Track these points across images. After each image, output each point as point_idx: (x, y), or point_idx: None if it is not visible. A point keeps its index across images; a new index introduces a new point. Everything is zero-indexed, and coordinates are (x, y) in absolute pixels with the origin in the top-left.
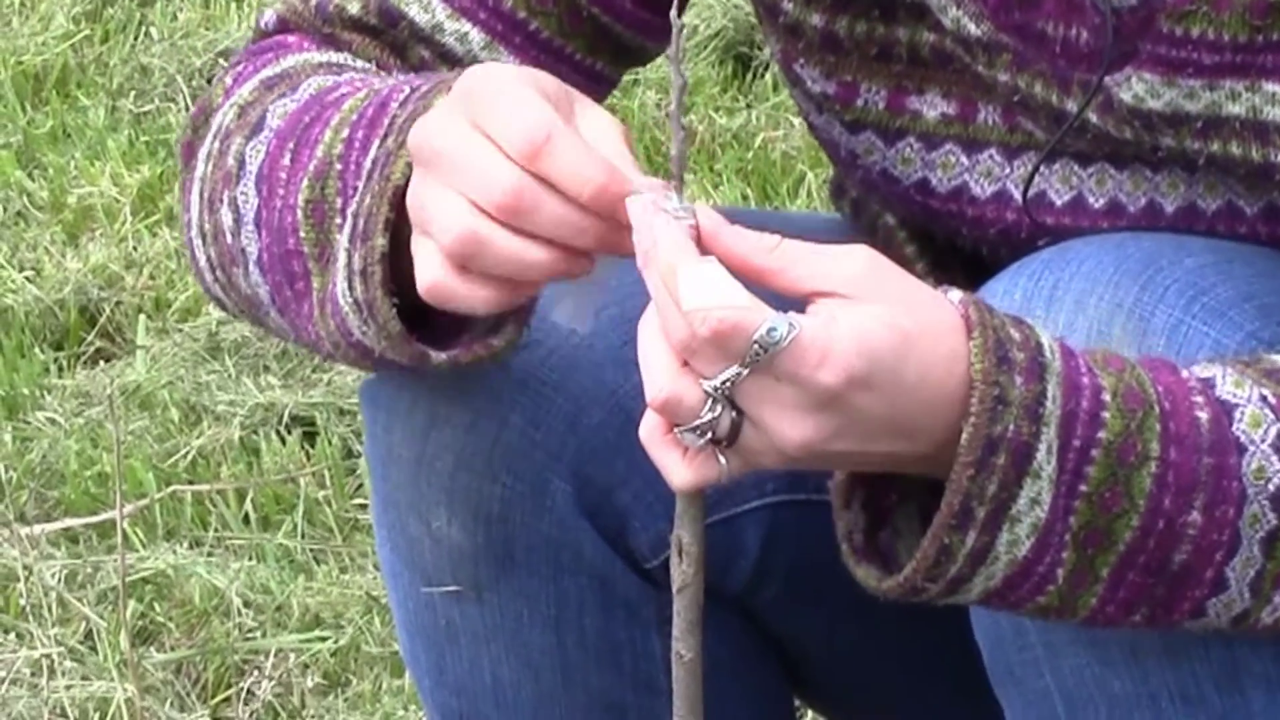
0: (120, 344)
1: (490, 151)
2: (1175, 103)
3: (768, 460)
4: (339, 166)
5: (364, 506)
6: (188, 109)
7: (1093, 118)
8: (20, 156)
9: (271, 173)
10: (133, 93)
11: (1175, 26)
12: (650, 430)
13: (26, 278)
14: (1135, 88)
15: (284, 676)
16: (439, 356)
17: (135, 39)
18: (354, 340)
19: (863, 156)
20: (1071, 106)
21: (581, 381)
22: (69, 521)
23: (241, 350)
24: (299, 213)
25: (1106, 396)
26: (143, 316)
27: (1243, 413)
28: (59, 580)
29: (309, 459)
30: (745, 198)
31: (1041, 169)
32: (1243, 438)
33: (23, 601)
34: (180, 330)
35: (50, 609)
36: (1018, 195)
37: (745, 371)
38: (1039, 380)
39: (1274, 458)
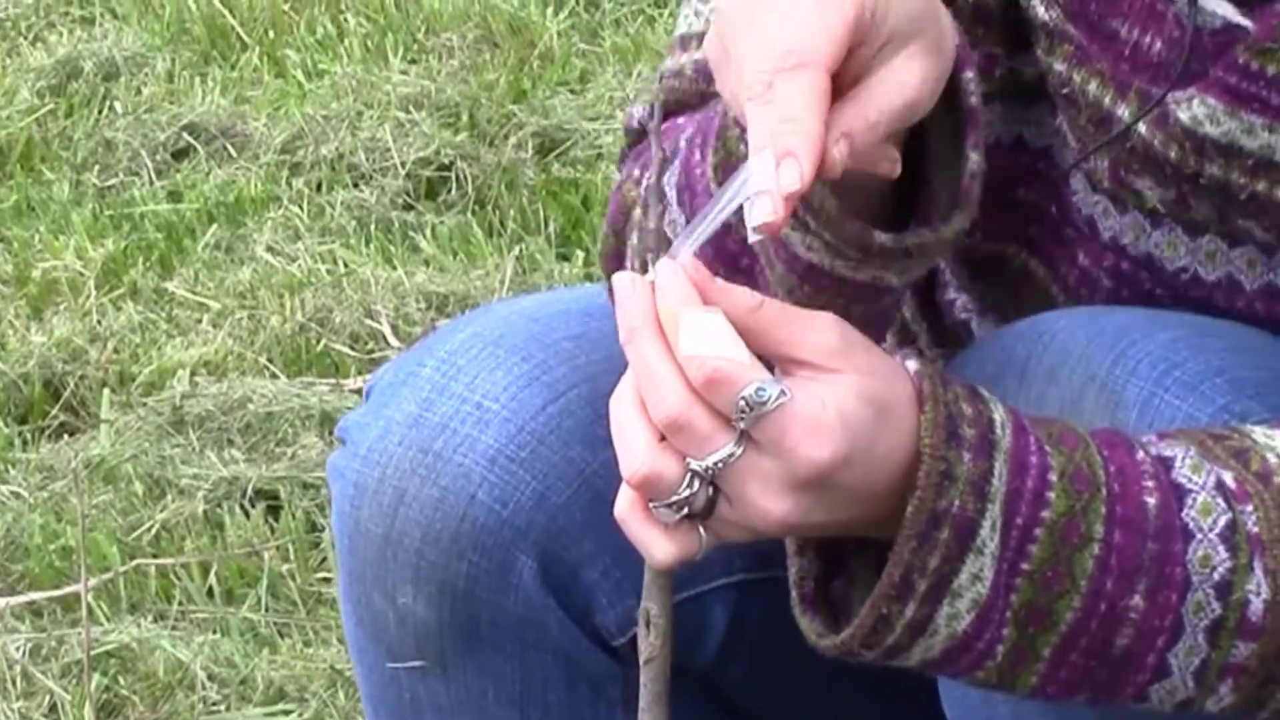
0: (84, 418)
1: None
2: (1233, 134)
3: (737, 535)
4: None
5: (328, 580)
6: (152, 183)
7: (1142, 128)
8: None
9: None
10: (97, 167)
11: (1252, 60)
12: (627, 506)
13: None
14: (1195, 110)
15: None
16: (882, 237)
17: (99, 113)
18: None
19: None
20: (1122, 112)
21: (549, 459)
22: (33, 595)
23: (205, 424)
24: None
25: (1053, 476)
26: (107, 390)
27: (1194, 499)
28: (23, 654)
29: (273, 533)
30: None
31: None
32: (1191, 524)
33: None
34: (144, 404)
35: (14, 683)
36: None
37: (739, 452)
38: (987, 458)
39: (1220, 548)
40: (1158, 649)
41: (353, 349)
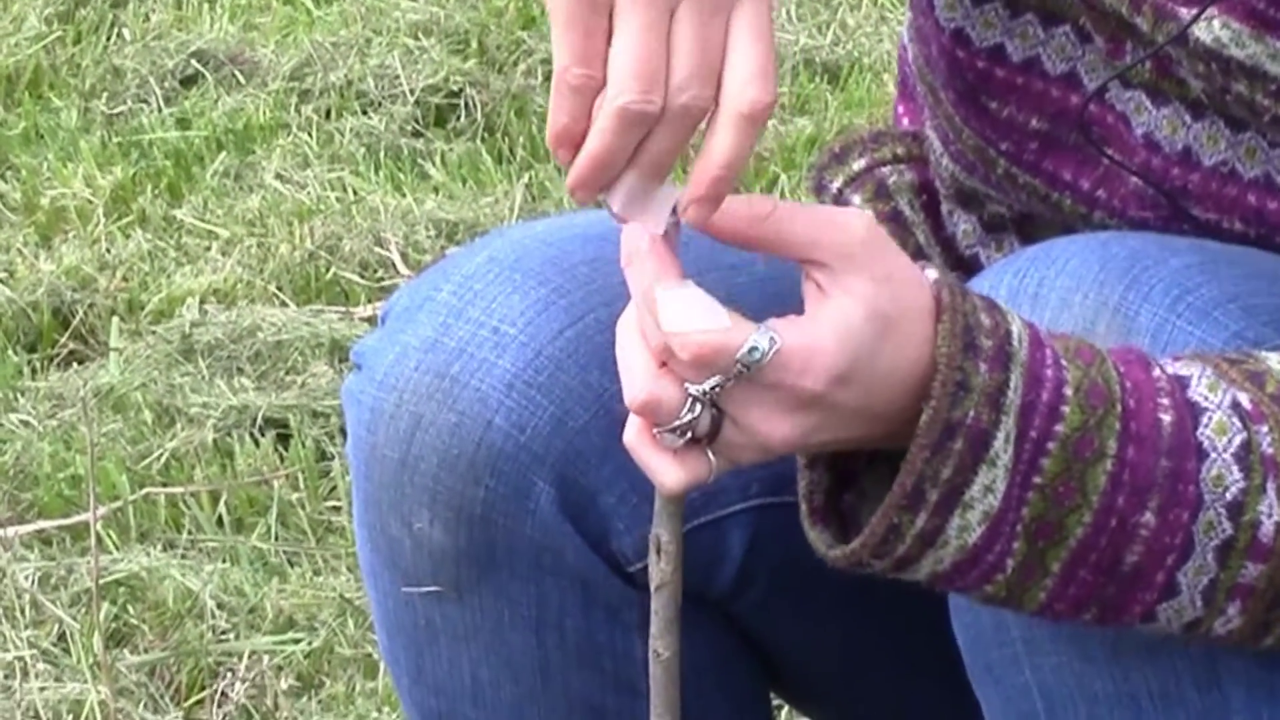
0: (93, 346)
1: None
2: (1258, 59)
3: (747, 457)
4: None
5: (338, 509)
6: (160, 110)
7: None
8: None
9: None
10: (105, 94)
11: None
12: (635, 433)
13: None
14: (1218, 31)
15: (258, 678)
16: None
17: (108, 40)
18: None
19: (944, 10)
20: (1139, 23)
21: (567, 384)
22: (42, 524)
23: (215, 352)
24: None
25: (1069, 390)
26: (116, 318)
27: (1210, 418)
28: (32, 582)
29: (283, 461)
30: None
31: (1100, 60)
32: (1205, 443)
33: None
34: (153, 332)
35: (23, 611)
36: (1087, 80)
37: (730, 381)
38: (1003, 369)
39: (1234, 468)
40: (1167, 567)
41: (362, 277)
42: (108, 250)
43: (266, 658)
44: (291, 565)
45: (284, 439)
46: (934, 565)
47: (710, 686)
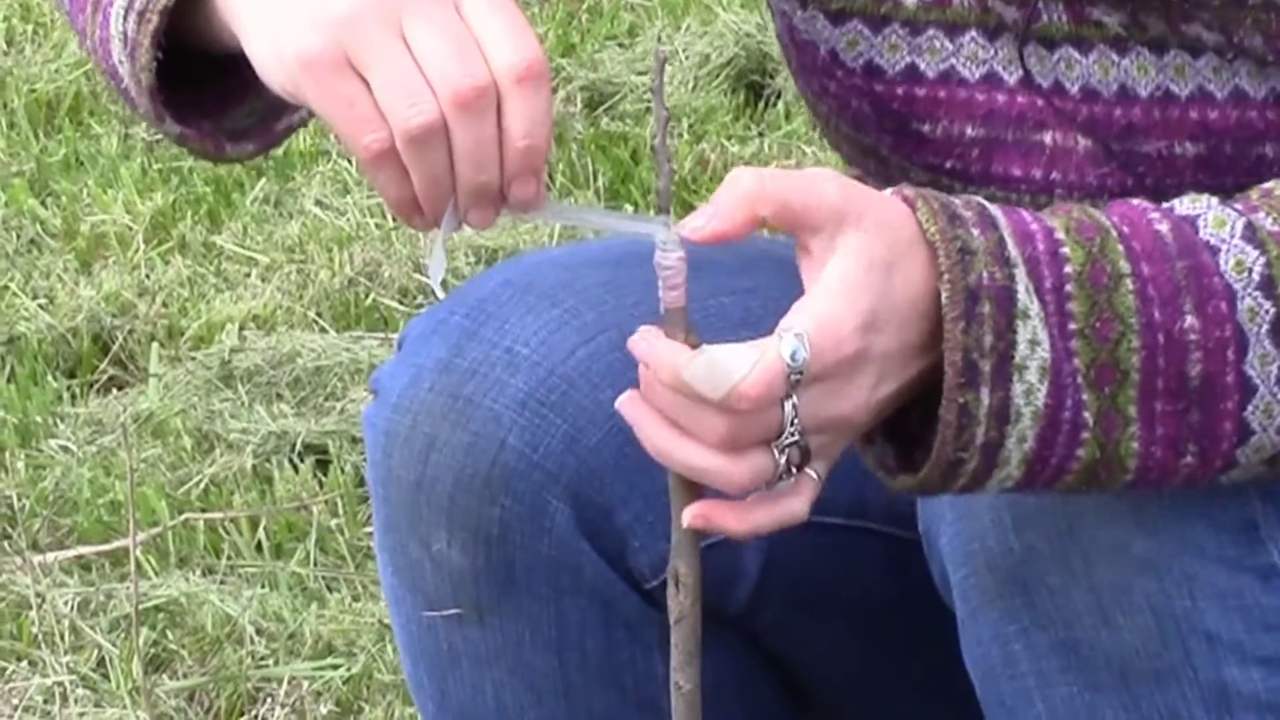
0: (133, 372)
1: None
2: None
3: (842, 444)
4: None
5: None
6: None
7: None
8: (33, 184)
9: None
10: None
11: None
12: (752, 509)
13: (40, 305)
14: None
15: (296, 704)
16: (172, 127)
17: None
18: (110, 62)
19: (846, 51)
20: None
21: (580, 402)
22: (82, 549)
23: (254, 378)
24: None
25: (1060, 234)
26: (155, 344)
27: (1204, 219)
28: (72, 608)
29: (321, 487)
30: None
31: (1015, 52)
32: (1211, 239)
33: (35, 629)
34: (193, 358)
35: (63, 637)
36: (1007, 76)
37: (793, 399)
38: (993, 229)
39: (1248, 248)
40: (1231, 362)
41: (401, 303)
42: (147, 276)
43: (305, 683)
44: (330, 591)
45: (323, 465)
46: (1020, 445)
47: (733, 706)
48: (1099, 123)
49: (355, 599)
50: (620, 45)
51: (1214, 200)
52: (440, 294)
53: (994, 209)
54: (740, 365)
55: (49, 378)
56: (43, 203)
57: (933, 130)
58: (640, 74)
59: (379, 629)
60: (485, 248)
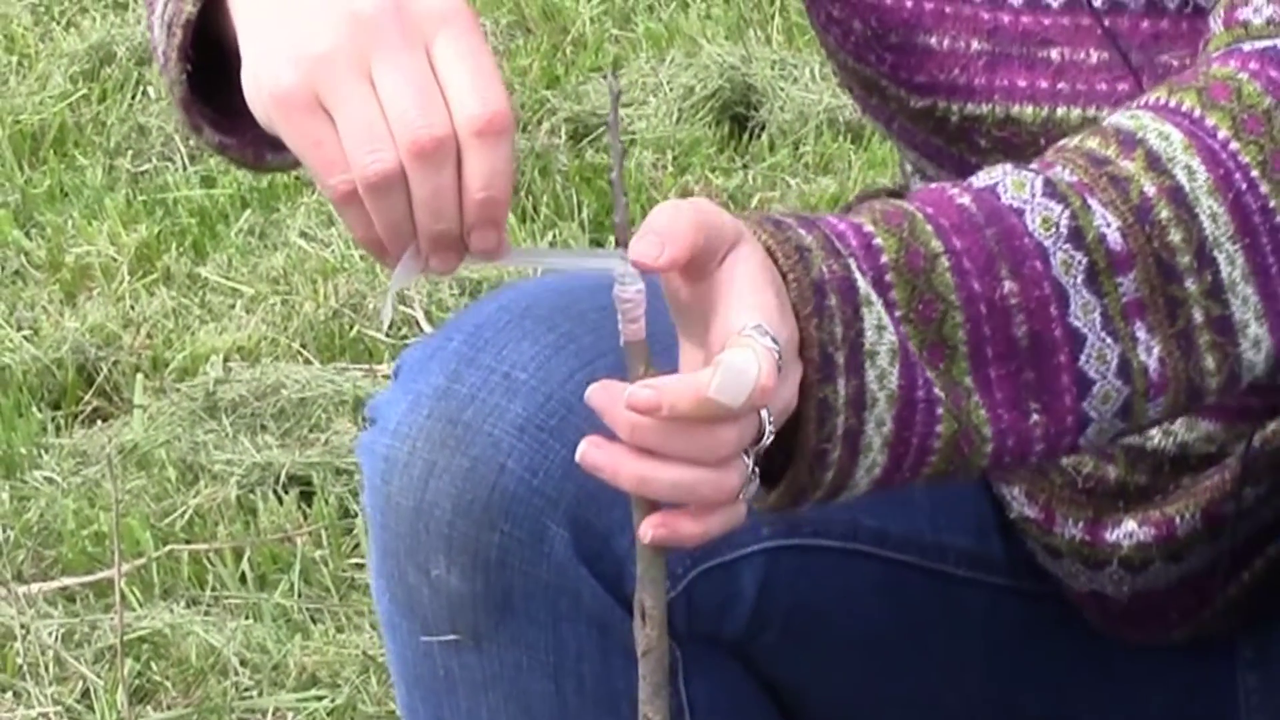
0: (117, 403)
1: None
2: None
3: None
4: None
5: (360, 566)
6: (185, 168)
7: None
8: (18, 216)
9: None
10: (130, 152)
11: None
12: (706, 512)
13: (24, 337)
14: None
15: None
16: (211, 136)
17: (132, 98)
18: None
19: None
20: None
21: (579, 427)
22: (66, 580)
23: (239, 410)
24: None
25: (869, 227)
26: (140, 375)
27: (1003, 185)
28: (56, 639)
29: (306, 519)
30: None
31: None
32: (1014, 203)
33: (20, 660)
34: (177, 390)
35: (47, 668)
36: None
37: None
38: (814, 228)
39: (1051, 203)
40: (1055, 318)
41: (386, 334)
42: (132, 308)
43: (290, 715)
44: (315, 622)
45: (307, 496)
46: (879, 427)
47: None
48: (1122, 35)
49: (339, 630)
50: (605, 77)
51: (1008, 166)
52: (385, 332)
53: (805, 213)
54: (747, 363)
55: (33, 409)
56: (27, 234)
57: (939, 42)
58: (625, 106)
59: (363, 660)
60: (469, 280)
